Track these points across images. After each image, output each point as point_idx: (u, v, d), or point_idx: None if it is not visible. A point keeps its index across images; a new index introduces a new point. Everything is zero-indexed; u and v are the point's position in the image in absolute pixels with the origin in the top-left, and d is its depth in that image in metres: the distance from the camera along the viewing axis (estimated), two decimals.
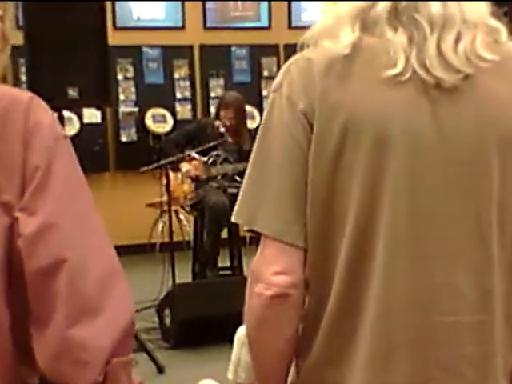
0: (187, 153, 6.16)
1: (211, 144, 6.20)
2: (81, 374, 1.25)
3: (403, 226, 1.33)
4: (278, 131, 1.36)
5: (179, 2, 8.72)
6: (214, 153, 6.33)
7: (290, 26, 9.03)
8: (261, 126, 1.40)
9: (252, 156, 1.40)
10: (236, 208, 1.40)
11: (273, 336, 1.40)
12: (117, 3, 8.42)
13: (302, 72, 1.37)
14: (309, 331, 1.40)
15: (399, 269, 1.33)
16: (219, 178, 6.35)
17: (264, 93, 8.92)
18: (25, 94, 1.32)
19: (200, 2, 8.79)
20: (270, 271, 1.34)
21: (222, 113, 6.40)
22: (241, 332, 2.46)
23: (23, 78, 6.61)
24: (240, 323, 2.40)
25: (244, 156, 6.02)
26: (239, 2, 8.96)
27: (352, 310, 1.35)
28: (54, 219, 1.26)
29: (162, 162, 5.92)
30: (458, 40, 1.35)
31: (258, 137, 1.39)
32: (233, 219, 1.40)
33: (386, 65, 1.34)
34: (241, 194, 1.40)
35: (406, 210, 1.33)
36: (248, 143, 6.15)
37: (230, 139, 6.33)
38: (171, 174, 6.10)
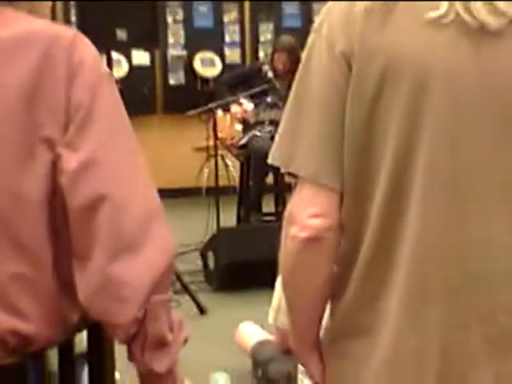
0: (236, 96, 6.14)
1: (261, 88, 6.18)
2: (120, 309, 1.27)
3: (441, 168, 1.32)
4: (316, 72, 1.35)
5: None
6: (264, 97, 6.31)
7: None
8: (300, 67, 1.39)
9: (290, 97, 1.39)
10: (273, 150, 1.39)
11: (307, 279, 1.40)
12: None
13: (343, 12, 1.35)
14: (343, 275, 1.40)
15: (435, 212, 1.32)
16: (267, 123, 6.33)
17: None
18: (68, 31, 1.32)
19: None
20: (306, 213, 1.34)
21: (275, 56, 6.38)
22: None
23: (73, 19, 6.63)
24: None
25: None
26: None
27: (386, 254, 1.35)
28: (96, 156, 1.28)
29: (210, 105, 5.92)
30: None
31: (296, 77, 1.38)
32: (269, 161, 1.40)
33: (428, 7, 1.32)
34: (278, 135, 1.40)
35: (444, 152, 1.32)
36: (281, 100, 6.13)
37: (277, 84, 6.29)
38: (219, 117, 6.10)
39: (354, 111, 1.32)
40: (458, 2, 1.31)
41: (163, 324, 1.31)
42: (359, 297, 1.38)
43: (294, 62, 6.29)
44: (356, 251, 1.37)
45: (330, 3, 1.39)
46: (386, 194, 1.33)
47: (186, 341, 1.36)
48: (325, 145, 1.34)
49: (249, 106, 6.29)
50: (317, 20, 1.39)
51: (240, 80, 6.32)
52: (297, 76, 1.38)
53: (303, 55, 1.39)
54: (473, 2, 1.31)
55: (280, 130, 1.40)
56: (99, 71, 1.32)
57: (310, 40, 1.38)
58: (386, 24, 1.32)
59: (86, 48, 1.33)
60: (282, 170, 1.39)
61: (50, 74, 1.28)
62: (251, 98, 6.25)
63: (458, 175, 1.32)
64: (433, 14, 1.31)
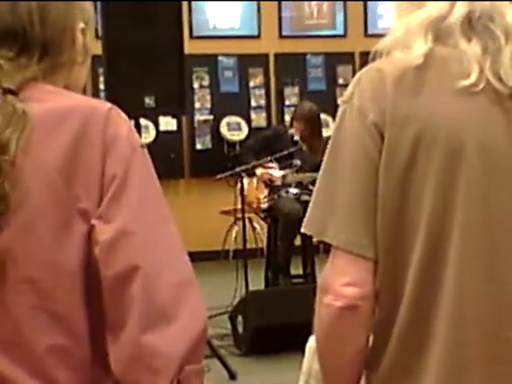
0: (263, 160, 6.18)
1: (287, 152, 6.22)
2: (153, 380, 1.27)
3: (476, 235, 1.32)
4: (348, 142, 1.36)
5: (255, 11, 8.77)
6: (290, 161, 6.34)
7: (365, 34, 8.99)
8: (331, 137, 1.40)
9: (322, 166, 1.40)
10: (306, 218, 1.40)
11: (342, 347, 1.40)
12: (193, 13, 8.52)
13: (373, 82, 1.36)
14: (379, 343, 1.39)
15: (472, 279, 1.32)
16: (293, 185, 6.36)
17: (339, 101, 8.86)
18: (103, 105, 1.35)
19: (275, 11, 8.83)
20: (340, 282, 1.34)
21: (294, 123, 6.45)
22: (312, 341, 2.44)
23: (102, 86, 6.74)
24: (312, 332, 2.40)
25: (319, 165, 6.02)
26: (314, 10, 8.96)
27: (423, 321, 1.34)
28: (129, 227, 1.29)
29: (237, 169, 5.97)
30: None
31: (328, 147, 1.40)
32: (302, 230, 1.41)
33: (459, 75, 1.33)
34: (311, 204, 1.41)
35: (479, 220, 1.32)
36: (322, 153, 6.13)
37: (304, 148, 6.33)
38: (246, 180, 6.13)
39: (387, 180, 1.33)
40: (487, 70, 1.33)
41: None
42: (396, 364, 1.37)
43: (313, 129, 6.35)
44: (391, 320, 1.36)
45: (359, 73, 1.41)
46: (421, 260, 1.33)
47: None
48: (358, 214, 1.35)
49: (275, 170, 6.32)
50: (347, 90, 1.41)
51: (264, 145, 6.37)
52: (329, 146, 1.40)
53: (334, 125, 1.41)
54: (503, 70, 1.32)
55: (313, 198, 1.41)
56: (133, 143, 1.34)
57: (340, 110, 1.40)
58: (416, 92, 1.34)
59: (121, 121, 1.35)
60: (315, 239, 1.40)
61: (87, 147, 1.31)
62: (277, 161, 6.29)
63: (493, 242, 1.32)
64: (464, 83, 1.32)
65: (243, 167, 6.02)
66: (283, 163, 6.34)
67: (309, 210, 1.41)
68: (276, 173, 6.34)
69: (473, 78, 1.33)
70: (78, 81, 1.45)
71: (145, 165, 1.35)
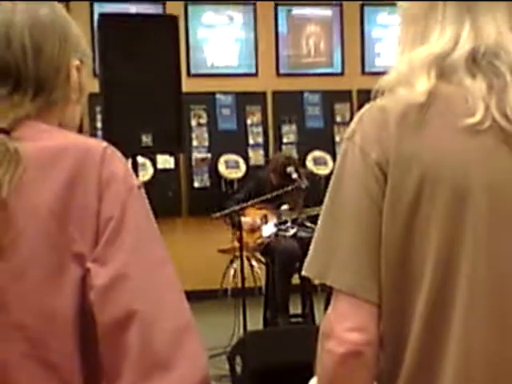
0: (257, 201, 6.20)
1: (286, 189, 6.24)
2: None
3: (483, 279, 1.28)
4: (350, 182, 1.32)
5: (252, 49, 8.80)
6: (279, 201, 6.40)
7: (363, 72, 9.02)
8: (333, 176, 1.37)
9: (324, 206, 1.36)
10: (307, 260, 1.36)
11: None
12: (191, 51, 8.55)
13: (376, 121, 1.33)
14: None
15: (479, 324, 1.28)
16: (289, 223, 6.35)
17: (337, 139, 8.89)
18: (99, 144, 1.32)
19: (273, 49, 8.86)
20: (343, 327, 1.30)
21: (271, 175, 6.56)
22: (313, 382, 2.40)
23: (99, 124, 6.73)
24: (312, 373, 2.35)
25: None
26: (312, 49, 9.00)
27: (430, 368, 1.29)
28: (125, 270, 1.25)
29: (234, 207, 5.95)
30: None
31: (330, 186, 1.36)
32: (303, 272, 1.37)
33: (464, 113, 1.30)
34: (312, 246, 1.37)
35: (485, 262, 1.28)
36: (299, 200, 6.34)
37: (303, 184, 6.35)
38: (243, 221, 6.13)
39: (390, 220, 1.29)
40: (493, 108, 1.30)
41: None
42: None
43: (287, 182, 6.40)
44: (397, 364, 1.32)
45: (361, 111, 1.38)
46: (427, 305, 1.29)
47: None
48: (360, 256, 1.31)
49: (265, 228, 6.37)
50: (349, 127, 1.38)
51: (250, 196, 6.39)
52: (330, 185, 1.36)
53: (336, 163, 1.37)
54: (509, 107, 1.29)
55: (314, 239, 1.37)
56: (129, 184, 1.31)
57: (342, 148, 1.37)
58: (420, 132, 1.30)
59: (117, 160, 1.32)
60: (317, 282, 1.36)
61: (82, 188, 1.27)
62: (271, 200, 6.30)
63: (500, 285, 1.28)
64: (470, 121, 1.29)
65: (240, 205, 6.01)
66: (278, 201, 6.37)
67: (310, 251, 1.37)
68: (264, 230, 6.39)
69: (478, 117, 1.29)
70: (72, 119, 1.42)
71: (141, 206, 1.31)
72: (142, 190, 1.34)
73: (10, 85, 1.33)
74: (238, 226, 5.96)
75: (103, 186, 1.27)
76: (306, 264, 1.36)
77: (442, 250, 1.28)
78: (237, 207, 5.97)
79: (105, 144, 1.32)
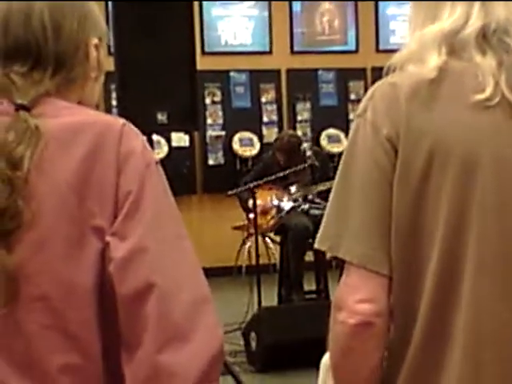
0: (271, 178, 6.21)
1: (300, 167, 6.25)
2: None
3: (492, 249, 1.31)
4: (361, 157, 1.35)
5: (267, 27, 8.79)
6: (299, 177, 6.39)
7: (377, 49, 8.99)
8: (344, 152, 1.39)
9: (335, 181, 1.39)
10: (319, 234, 1.39)
11: (357, 365, 1.38)
12: (205, 29, 8.55)
13: (387, 97, 1.36)
14: (394, 361, 1.37)
15: (488, 294, 1.30)
16: (300, 200, 6.37)
17: (351, 116, 8.89)
18: (117, 121, 1.35)
19: (287, 27, 8.85)
20: (354, 299, 1.33)
21: (277, 154, 6.53)
22: (326, 358, 2.43)
23: (114, 102, 6.76)
24: (326, 348, 2.37)
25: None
26: (326, 26, 8.98)
27: (438, 341, 1.32)
28: (144, 244, 1.28)
29: (250, 184, 5.98)
30: None
31: (341, 162, 1.39)
32: (316, 246, 1.39)
33: (474, 89, 1.32)
34: (324, 219, 1.39)
35: (494, 233, 1.31)
36: (307, 177, 6.33)
37: (316, 162, 6.36)
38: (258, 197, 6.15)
39: (400, 194, 1.32)
40: (503, 84, 1.32)
41: None
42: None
43: (295, 159, 6.38)
44: (407, 338, 1.34)
45: (372, 87, 1.40)
46: (437, 275, 1.32)
47: None
48: (371, 229, 1.33)
49: (282, 205, 6.36)
50: (360, 104, 1.40)
51: (258, 178, 6.38)
52: (342, 161, 1.39)
53: (348, 140, 1.40)
54: None
55: (326, 213, 1.40)
56: (147, 160, 1.33)
57: (354, 124, 1.39)
58: (430, 107, 1.33)
59: (135, 137, 1.35)
60: (329, 255, 1.39)
61: (101, 164, 1.30)
62: (284, 178, 6.31)
63: (509, 255, 1.31)
64: (479, 97, 1.31)
65: (255, 183, 6.03)
66: (291, 179, 6.37)
67: (322, 225, 1.40)
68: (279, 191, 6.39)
69: (488, 92, 1.32)
70: (91, 96, 1.45)
71: (159, 181, 1.34)
72: (159, 166, 1.37)
73: (30, 62, 1.35)
74: (250, 209, 5.98)
75: (122, 161, 1.30)
76: (318, 237, 1.39)
77: (450, 223, 1.31)
78: (251, 184, 5.98)
79: (123, 121, 1.35)
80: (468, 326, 1.30)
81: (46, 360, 1.27)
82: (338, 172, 1.39)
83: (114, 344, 1.30)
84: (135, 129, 1.36)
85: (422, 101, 1.33)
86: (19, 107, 1.31)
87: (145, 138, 1.39)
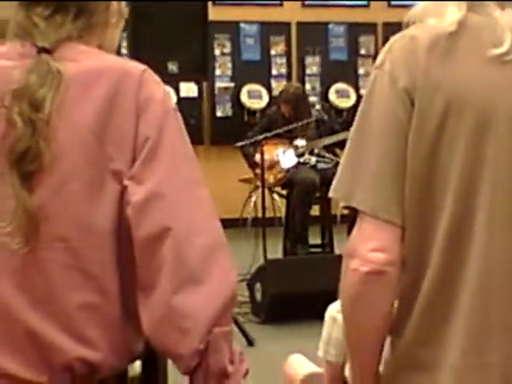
0: (279, 131, 6.20)
1: (308, 120, 6.24)
2: (183, 341, 1.28)
3: (504, 202, 1.32)
4: (378, 108, 1.36)
5: None
6: (305, 131, 6.39)
7: (389, 5, 8.92)
8: (362, 102, 1.40)
9: (352, 131, 1.40)
10: (334, 183, 1.40)
11: (367, 313, 1.40)
12: None
13: (405, 49, 1.36)
14: (404, 309, 1.40)
15: (499, 245, 1.32)
16: (307, 153, 6.36)
17: (360, 71, 8.86)
18: (137, 67, 1.36)
19: None
20: (367, 247, 1.34)
21: (282, 106, 6.50)
22: (332, 309, 2.46)
23: (124, 51, 6.73)
24: (330, 300, 2.40)
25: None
26: None
27: (449, 289, 1.34)
28: (161, 188, 1.30)
29: (259, 137, 5.99)
30: None
31: (358, 112, 1.40)
32: (330, 194, 1.41)
33: (491, 44, 1.33)
34: (339, 169, 1.41)
35: (506, 186, 1.32)
36: (313, 131, 6.31)
37: (325, 117, 6.35)
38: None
39: (416, 146, 1.33)
40: None
41: (224, 356, 1.31)
42: (420, 332, 1.38)
43: (300, 110, 6.35)
44: (417, 287, 1.36)
45: (391, 40, 1.41)
46: (449, 227, 1.33)
47: (246, 373, 1.36)
48: (386, 179, 1.35)
49: (285, 160, 6.35)
50: (378, 57, 1.41)
51: (264, 132, 6.36)
52: (359, 111, 1.40)
53: (366, 90, 1.41)
54: None
55: (341, 163, 1.41)
56: (166, 106, 1.35)
57: (371, 76, 1.40)
58: (448, 60, 1.34)
59: (155, 83, 1.36)
60: (342, 204, 1.40)
61: (120, 109, 1.31)
62: (290, 132, 6.30)
63: None
64: (496, 51, 1.32)
65: (263, 135, 6.04)
66: (298, 133, 6.37)
67: (337, 174, 1.41)
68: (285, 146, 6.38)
69: (505, 47, 1.32)
70: (111, 42, 1.46)
71: (178, 128, 1.36)
72: (178, 113, 1.38)
73: (52, 6, 1.36)
74: (255, 165, 5.97)
75: (141, 107, 1.32)
76: (332, 187, 1.41)
77: (464, 175, 1.32)
78: (259, 137, 5.99)
79: (143, 67, 1.36)
80: (477, 276, 1.32)
81: (65, 298, 1.31)
82: (355, 122, 1.40)
83: (132, 286, 1.33)
84: (155, 76, 1.37)
85: (440, 54, 1.34)
86: (41, 50, 1.32)
87: None
